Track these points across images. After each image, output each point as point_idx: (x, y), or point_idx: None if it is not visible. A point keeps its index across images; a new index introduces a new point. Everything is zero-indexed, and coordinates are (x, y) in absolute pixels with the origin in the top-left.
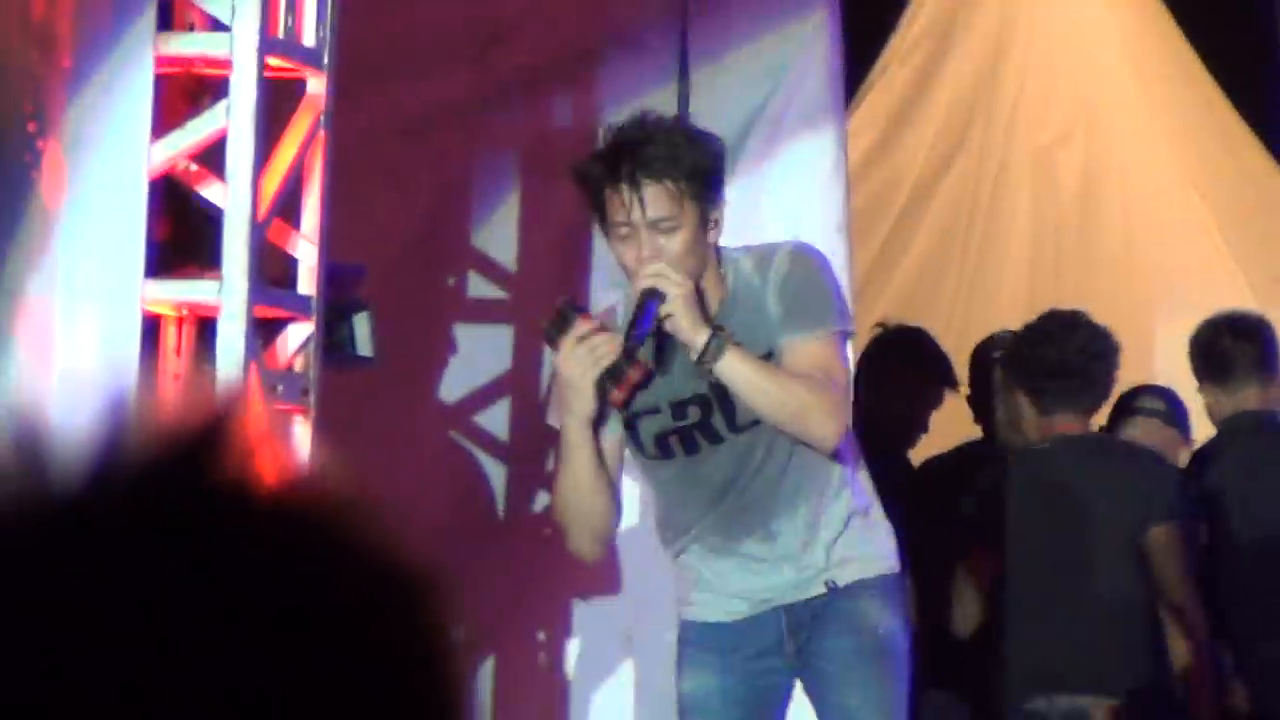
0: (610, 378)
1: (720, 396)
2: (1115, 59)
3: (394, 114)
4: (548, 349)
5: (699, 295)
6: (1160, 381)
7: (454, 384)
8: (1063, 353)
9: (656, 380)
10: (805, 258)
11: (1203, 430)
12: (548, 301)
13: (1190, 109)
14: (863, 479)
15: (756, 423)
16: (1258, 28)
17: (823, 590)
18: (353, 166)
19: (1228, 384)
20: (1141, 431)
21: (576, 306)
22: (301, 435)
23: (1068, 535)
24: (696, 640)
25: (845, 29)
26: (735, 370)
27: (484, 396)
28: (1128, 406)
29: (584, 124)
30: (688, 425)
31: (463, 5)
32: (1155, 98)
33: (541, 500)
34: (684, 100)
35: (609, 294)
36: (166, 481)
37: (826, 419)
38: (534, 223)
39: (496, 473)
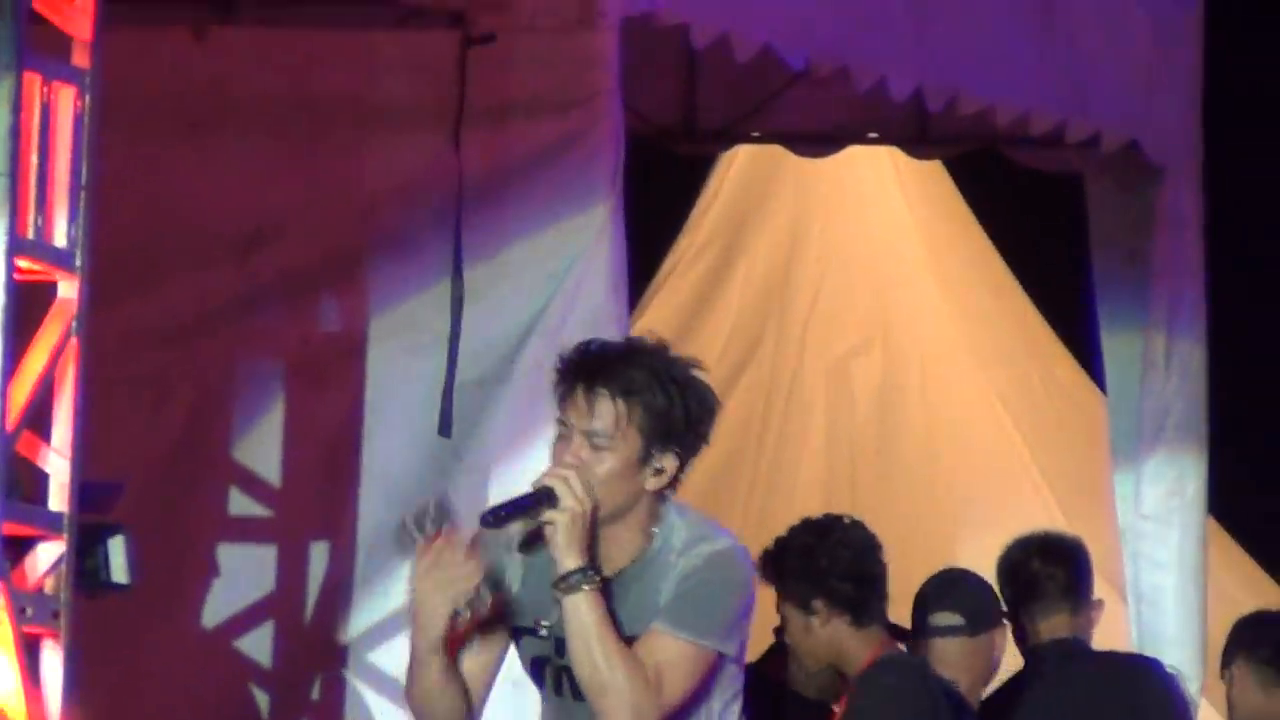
0: (465, 606)
1: None
2: (917, 268)
3: (151, 319)
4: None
5: (605, 533)
6: None
7: (215, 607)
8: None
9: (551, 603)
10: (722, 566)
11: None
12: (314, 518)
13: (998, 320)
14: None
15: None
16: (1068, 231)
17: None
18: (107, 374)
19: (1035, 610)
20: (939, 654)
21: (446, 511)
22: (52, 661)
23: None
24: None
25: (630, 228)
26: (578, 613)
27: (246, 620)
28: (923, 626)
29: (352, 328)
30: (564, 664)
31: (224, 206)
32: (960, 308)
33: None
34: (457, 301)
35: (378, 511)
36: None
37: (620, 713)
38: (299, 435)
39: (260, 701)
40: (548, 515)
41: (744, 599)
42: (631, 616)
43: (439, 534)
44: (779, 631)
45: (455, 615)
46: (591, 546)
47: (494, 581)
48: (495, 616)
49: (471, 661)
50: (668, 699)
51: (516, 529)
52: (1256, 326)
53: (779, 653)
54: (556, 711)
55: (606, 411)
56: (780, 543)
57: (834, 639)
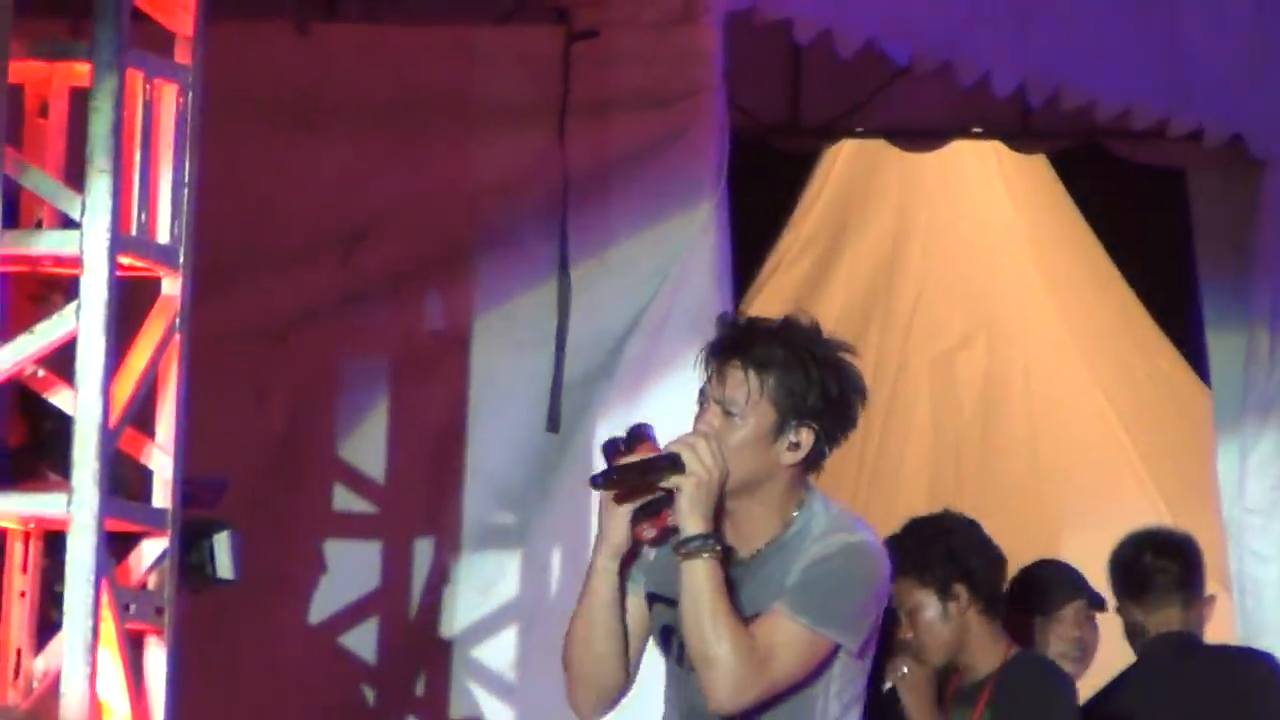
0: (644, 512)
1: None
2: (1021, 262)
3: (254, 316)
4: None
5: (741, 509)
6: None
7: (320, 603)
8: None
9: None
10: (853, 558)
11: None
12: (418, 514)
13: (1101, 314)
14: None
15: None
16: (1173, 226)
17: None
18: (211, 372)
19: (1148, 604)
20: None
21: (647, 434)
22: (155, 657)
23: None
24: None
25: (733, 224)
26: (694, 579)
27: (351, 616)
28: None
29: (457, 324)
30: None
31: (328, 201)
32: (1063, 302)
33: None
34: (564, 299)
35: (482, 507)
36: None
37: (724, 682)
38: (403, 431)
39: (366, 696)
40: (674, 480)
41: (874, 594)
42: (760, 596)
43: (631, 450)
44: None
45: (638, 520)
46: (719, 518)
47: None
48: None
49: (634, 599)
50: (772, 678)
51: None
52: None
53: None
54: (679, 681)
55: (739, 382)
56: (916, 529)
57: (966, 629)
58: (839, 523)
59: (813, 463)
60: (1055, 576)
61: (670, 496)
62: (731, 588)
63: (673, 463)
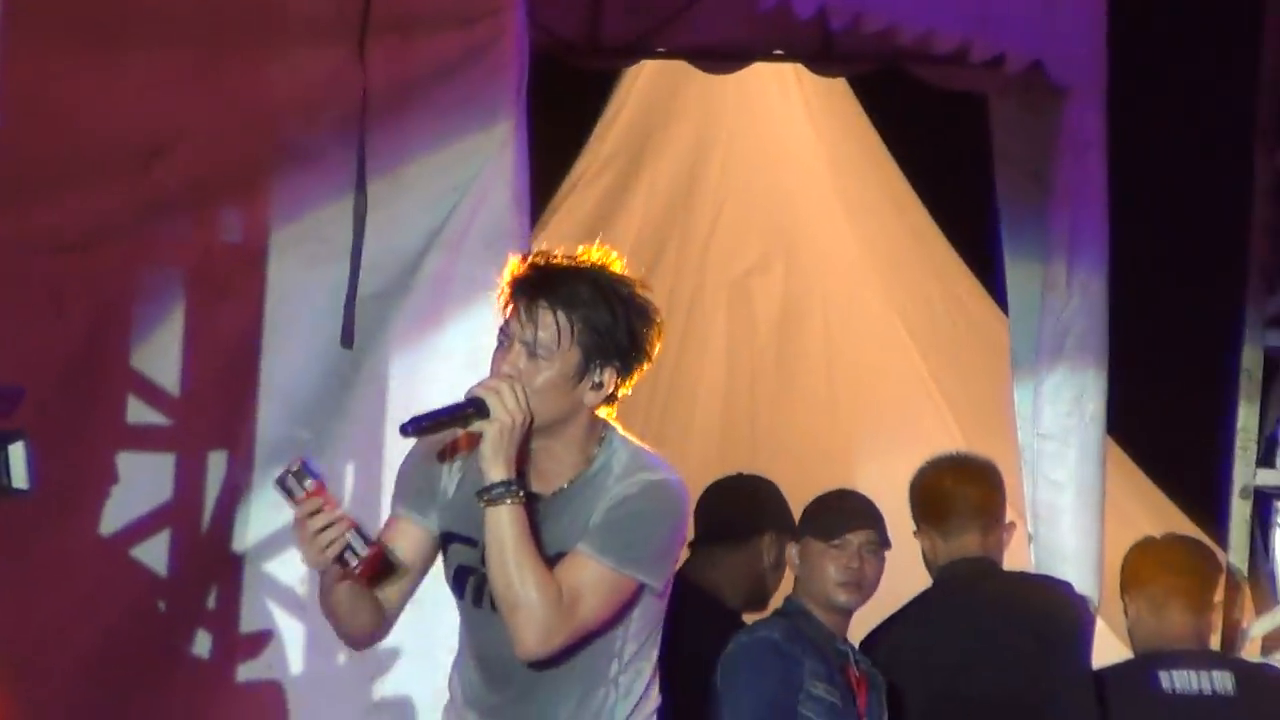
0: (349, 555)
1: None
2: (820, 186)
3: (54, 228)
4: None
5: (543, 448)
6: None
7: (113, 515)
8: None
9: (480, 511)
10: (655, 497)
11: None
12: (212, 427)
13: (899, 240)
14: (639, 710)
15: None
16: (972, 152)
17: None
18: (7, 285)
19: (947, 529)
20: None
21: (307, 470)
22: None
23: None
24: None
25: (532, 143)
26: (499, 525)
27: (143, 528)
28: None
29: (253, 239)
30: (484, 573)
31: (123, 117)
32: (862, 227)
33: (201, 640)
34: (359, 215)
35: (277, 422)
36: None
37: (531, 629)
38: (198, 344)
39: (157, 608)
40: (476, 425)
41: (675, 532)
42: (563, 535)
43: (308, 494)
44: (693, 544)
45: (344, 564)
46: (524, 461)
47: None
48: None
49: (400, 543)
50: (580, 620)
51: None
52: (1158, 248)
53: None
54: (475, 622)
55: (549, 323)
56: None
57: None
58: (640, 460)
59: (611, 400)
60: (848, 505)
61: (366, 543)
62: (534, 527)
63: (477, 408)
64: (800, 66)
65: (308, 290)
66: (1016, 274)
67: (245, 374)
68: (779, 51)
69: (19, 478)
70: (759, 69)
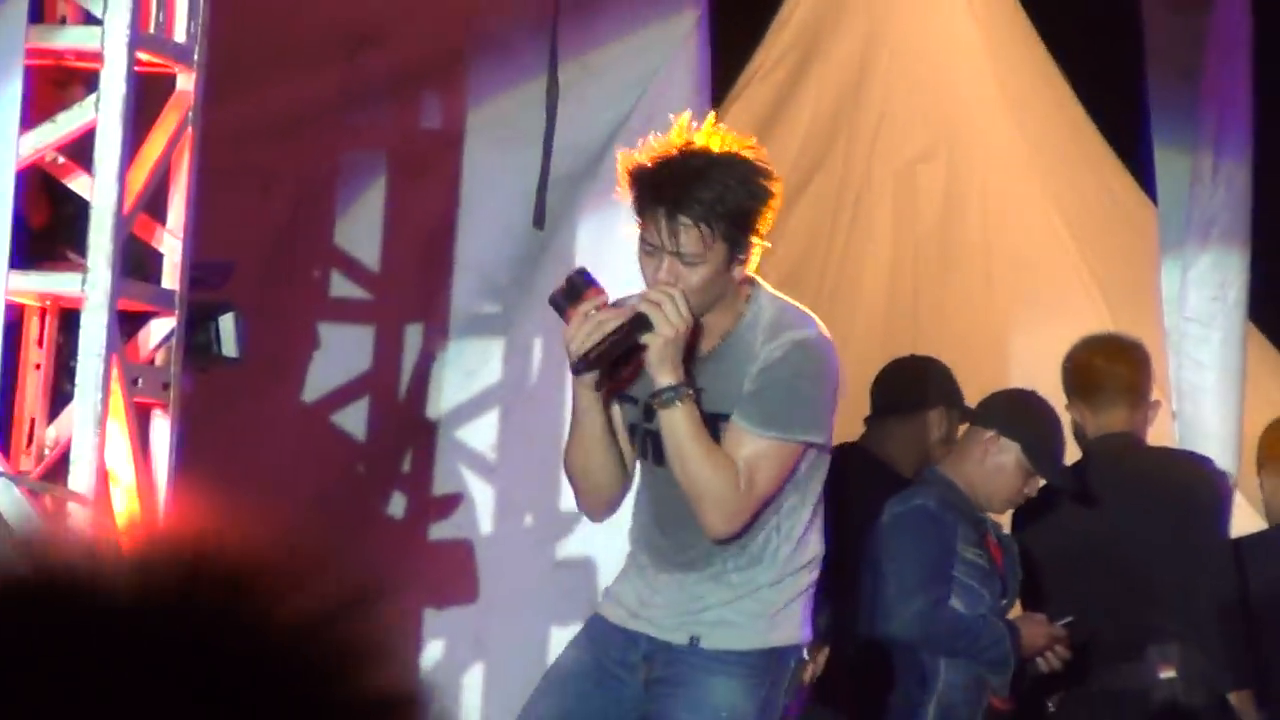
0: (609, 359)
1: None
2: (981, 78)
3: (262, 112)
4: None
5: (699, 328)
6: None
7: (315, 382)
8: None
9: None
10: (804, 356)
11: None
12: (409, 301)
13: (1055, 130)
14: (800, 551)
15: None
16: (1127, 53)
17: (684, 641)
18: (220, 163)
19: (1096, 404)
20: None
21: (587, 278)
22: (160, 429)
23: None
24: (588, 625)
25: (713, 36)
26: (673, 424)
27: (344, 396)
28: None
29: (451, 124)
30: (651, 429)
31: (332, 7)
32: (1020, 118)
33: (397, 502)
34: (551, 102)
35: (470, 296)
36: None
37: (716, 514)
38: (398, 223)
39: (355, 471)
40: (644, 339)
41: (827, 387)
42: (720, 393)
43: (583, 298)
44: (869, 418)
45: (607, 358)
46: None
47: (636, 330)
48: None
49: (619, 420)
50: (759, 496)
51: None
52: None
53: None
54: (649, 476)
55: (693, 238)
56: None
57: None
58: (784, 318)
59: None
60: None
61: (634, 343)
62: (697, 390)
63: (640, 324)
64: None
65: (501, 173)
66: (1165, 167)
67: (441, 251)
68: None
69: (229, 347)
70: None
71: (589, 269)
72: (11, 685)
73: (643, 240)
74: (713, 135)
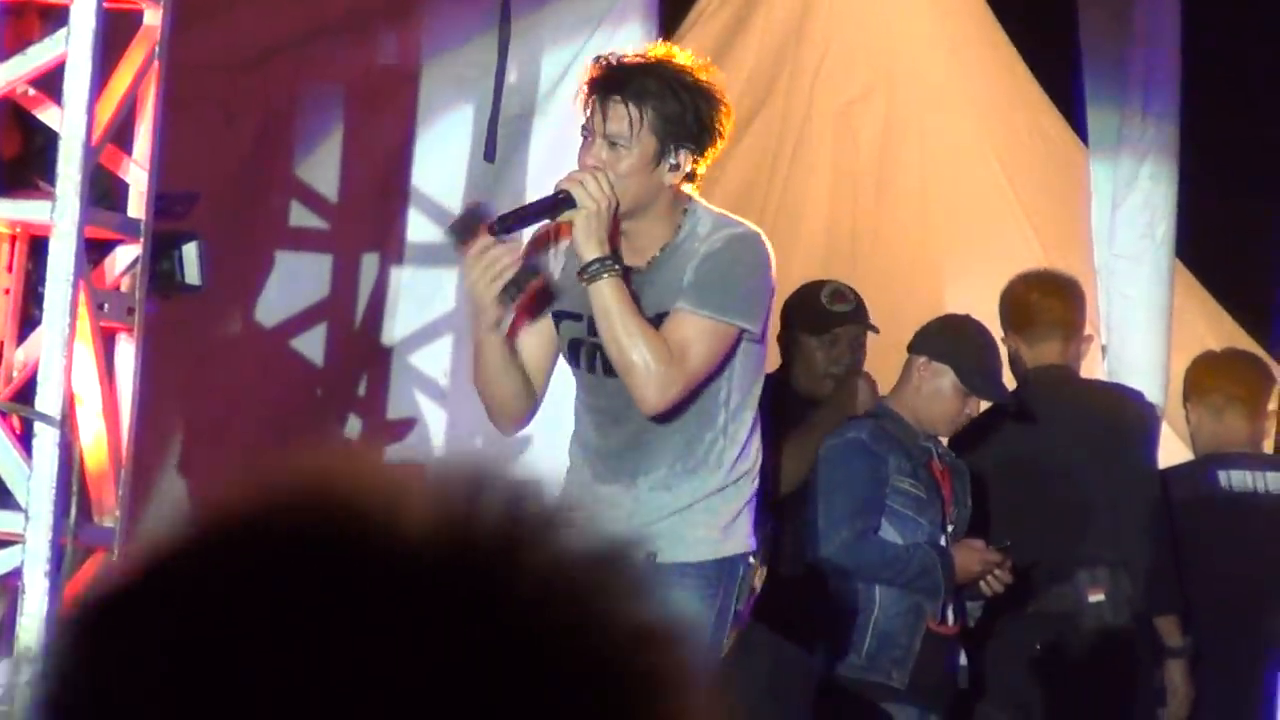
0: (512, 288)
1: None
2: (920, 24)
3: (226, 46)
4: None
5: (634, 227)
6: None
7: (274, 308)
8: None
9: (583, 289)
10: (740, 247)
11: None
12: (366, 231)
13: (990, 71)
14: (744, 458)
15: None
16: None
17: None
18: (185, 96)
19: (1032, 337)
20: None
21: (480, 214)
22: (125, 353)
23: None
24: None
25: None
26: (602, 297)
27: (302, 321)
28: None
29: (407, 62)
30: (596, 342)
31: None
32: (957, 61)
33: (353, 424)
34: (503, 47)
35: (424, 227)
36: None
37: (648, 386)
38: (355, 155)
39: (314, 395)
40: (566, 215)
41: (763, 278)
42: (660, 297)
43: (479, 233)
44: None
45: (506, 296)
46: (615, 239)
47: (534, 267)
48: (544, 302)
49: (528, 344)
50: (691, 370)
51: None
52: (1227, 87)
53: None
54: (591, 387)
55: (621, 116)
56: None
57: None
58: (721, 221)
59: (691, 178)
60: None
61: (532, 270)
62: (635, 296)
63: (563, 200)
64: None
65: (456, 109)
66: (1097, 109)
67: (397, 183)
68: None
69: (192, 275)
70: None
71: (488, 204)
72: (329, 635)
73: (582, 129)
74: (667, 50)
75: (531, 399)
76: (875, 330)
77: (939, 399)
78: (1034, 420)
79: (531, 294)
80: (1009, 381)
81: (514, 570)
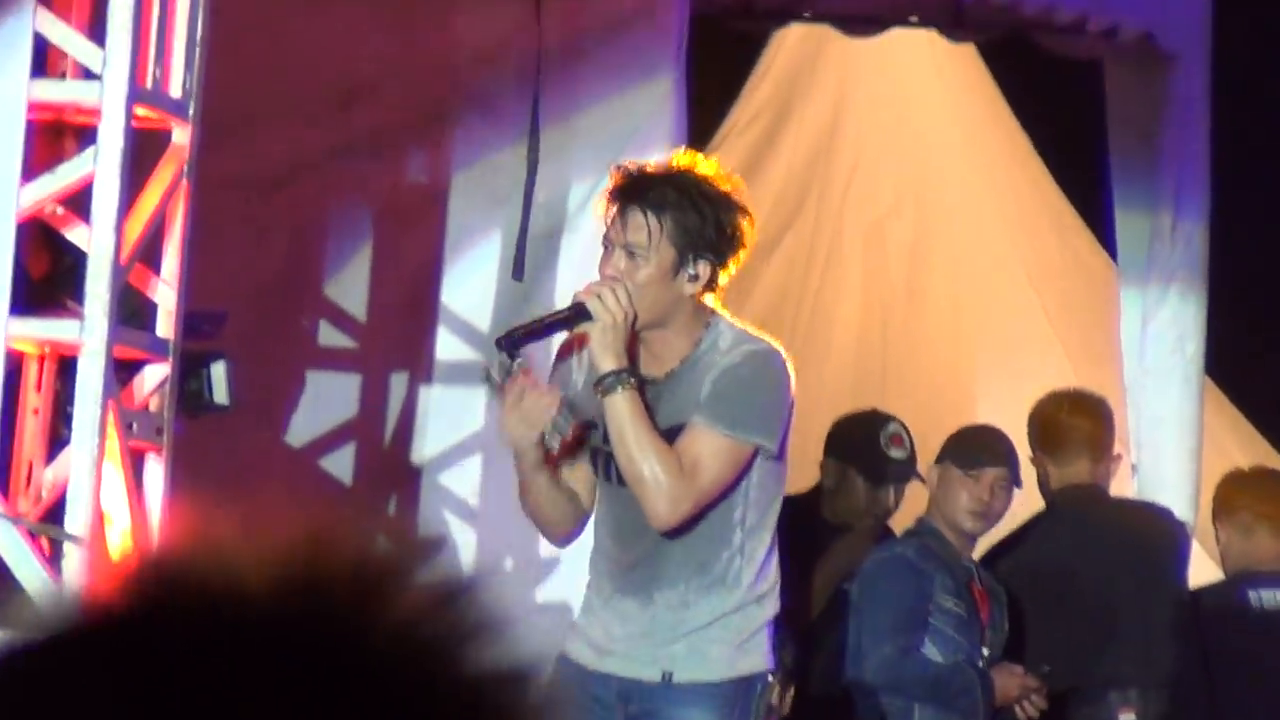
0: (553, 433)
1: None
2: (949, 141)
3: (255, 164)
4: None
5: (655, 337)
6: None
7: (302, 428)
8: None
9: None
10: (759, 363)
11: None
12: (395, 350)
13: (1019, 188)
14: (762, 578)
15: None
16: (1088, 114)
17: (657, 677)
18: (213, 214)
19: (1061, 457)
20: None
21: (514, 354)
22: (154, 473)
23: None
24: (559, 668)
25: (690, 97)
26: (616, 410)
27: (331, 441)
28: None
29: (435, 180)
30: (610, 452)
31: (324, 63)
32: (985, 176)
33: (382, 545)
34: (532, 163)
35: (453, 346)
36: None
37: (658, 500)
38: (384, 274)
39: (341, 515)
40: (583, 327)
41: (781, 396)
42: (678, 410)
43: (515, 377)
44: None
45: (544, 442)
46: (634, 348)
47: (572, 406)
48: (588, 427)
49: (573, 473)
50: (703, 487)
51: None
52: (1260, 202)
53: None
54: (609, 496)
55: (640, 225)
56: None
57: None
58: (742, 336)
59: (712, 287)
60: (990, 441)
61: (570, 412)
62: (652, 407)
63: (578, 313)
64: (933, 33)
65: (484, 227)
66: (1126, 226)
67: (426, 302)
68: (914, 18)
69: (220, 394)
70: (895, 35)
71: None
72: (167, 697)
73: (603, 239)
74: (691, 159)
75: (580, 514)
76: (922, 480)
77: (949, 498)
78: (1064, 540)
79: (566, 442)
80: (1032, 496)
81: (366, 621)
